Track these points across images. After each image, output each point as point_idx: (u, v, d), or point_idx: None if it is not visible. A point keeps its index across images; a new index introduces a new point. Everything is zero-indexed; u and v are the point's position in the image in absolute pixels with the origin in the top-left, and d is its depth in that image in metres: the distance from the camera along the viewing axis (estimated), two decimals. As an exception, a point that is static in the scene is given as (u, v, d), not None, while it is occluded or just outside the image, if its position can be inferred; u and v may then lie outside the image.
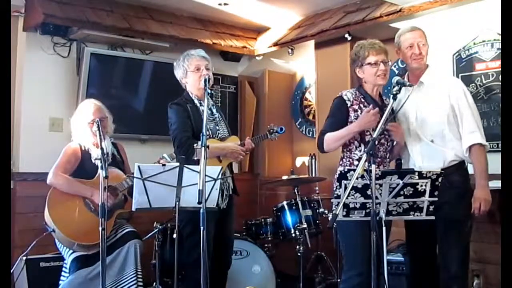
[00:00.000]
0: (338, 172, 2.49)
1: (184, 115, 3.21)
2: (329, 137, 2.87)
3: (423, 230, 2.96)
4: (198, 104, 3.30)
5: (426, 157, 2.95)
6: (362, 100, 2.92)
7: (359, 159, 2.76)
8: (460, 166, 2.96)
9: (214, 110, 3.38)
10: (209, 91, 2.95)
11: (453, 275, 2.91)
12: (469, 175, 3.01)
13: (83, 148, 3.44)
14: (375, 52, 2.87)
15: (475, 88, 3.69)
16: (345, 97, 2.93)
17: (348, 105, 2.91)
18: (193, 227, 2.98)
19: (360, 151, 2.87)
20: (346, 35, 4.39)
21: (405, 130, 3.00)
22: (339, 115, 2.92)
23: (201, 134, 2.67)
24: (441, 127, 2.94)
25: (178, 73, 3.37)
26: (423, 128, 2.97)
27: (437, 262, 3.03)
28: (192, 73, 3.29)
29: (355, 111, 2.89)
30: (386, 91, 4.56)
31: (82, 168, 3.41)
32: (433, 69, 3.07)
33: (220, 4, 4.65)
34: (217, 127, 3.35)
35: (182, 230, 3.15)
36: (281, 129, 3.70)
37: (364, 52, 2.89)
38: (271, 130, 3.68)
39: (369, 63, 2.88)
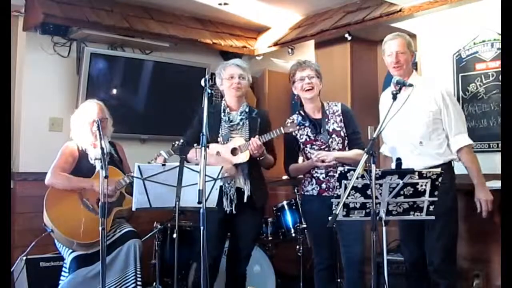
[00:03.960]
0: (338, 171, 2.49)
1: (197, 123, 3.33)
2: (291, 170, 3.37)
3: (416, 230, 3.00)
4: (222, 112, 3.33)
5: (416, 158, 2.99)
6: (301, 122, 3.20)
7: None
8: (447, 166, 3.01)
9: (237, 117, 3.33)
10: (209, 91, 2.95)
11: (437, 268, 2.94)
12: (455, 174, 3.09)
13: (80, 149, 3.45)
14: (300, 69, 3.22)
15: (475, 88, 3.69)
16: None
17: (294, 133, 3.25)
18: None
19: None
20: (346, 35, 4.39)
21: (394, 132, 3.05)
22: (291, 144, 3.32)
23: (201, 134, 2.67)
24: (428, 129, 3.00)
25: (218, 82, 3.45)
26: (412, 130, 3.03)
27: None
28: (226, 80, 3.37)
29: (299, 131, 3.24)
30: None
31: (79, 168, 3.42)
32: (417, 75, 3.18)
33: (220, 4, 4.65)
34: (232, 134, 3.32)
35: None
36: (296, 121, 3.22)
37: (293, 71, 3.24)
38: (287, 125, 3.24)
39: (297, 80, 3.22)
